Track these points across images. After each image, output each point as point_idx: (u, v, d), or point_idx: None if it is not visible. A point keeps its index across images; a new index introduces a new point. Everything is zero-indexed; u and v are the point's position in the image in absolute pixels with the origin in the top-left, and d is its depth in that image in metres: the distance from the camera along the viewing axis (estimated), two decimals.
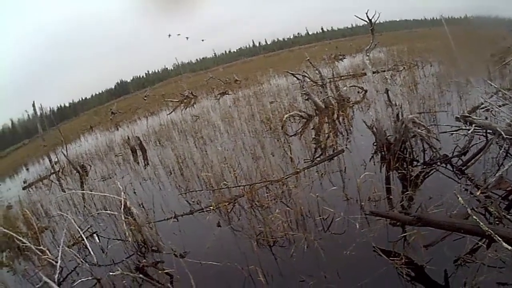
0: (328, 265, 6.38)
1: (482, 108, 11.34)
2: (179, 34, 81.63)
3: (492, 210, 6.48)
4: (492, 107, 10.13)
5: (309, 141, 14.27)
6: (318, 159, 11.78)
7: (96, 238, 10.23)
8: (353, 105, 18.03)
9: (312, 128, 16.36)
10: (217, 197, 10.39)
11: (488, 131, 8.91)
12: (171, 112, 35.59)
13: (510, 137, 8.22)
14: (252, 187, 10.04)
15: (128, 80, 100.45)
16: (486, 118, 10.47)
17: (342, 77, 25.34)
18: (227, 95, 35.09)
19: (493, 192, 7.28)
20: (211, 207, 9.90)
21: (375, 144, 11.03)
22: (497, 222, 6.19)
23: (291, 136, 15.67)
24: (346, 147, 12.22)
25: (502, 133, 8.13)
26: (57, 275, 8.26)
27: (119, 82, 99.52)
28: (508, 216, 6.22)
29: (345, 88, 19.55)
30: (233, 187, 10.62)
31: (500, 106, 10.29)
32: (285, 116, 17.00)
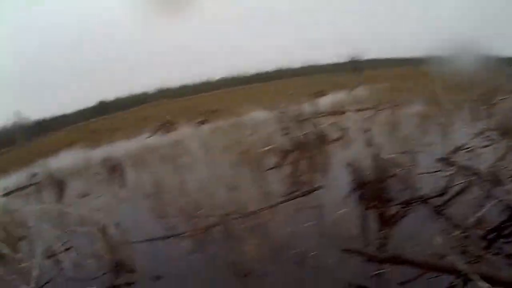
0: None
1: (465, 149, 11.43)
2: None
3: (470, 249, 6.60)
4: (475, 148, 10.29)
5: (286, 176, 14.45)
6: (295, 193, 11.75)
7: (74, 253, 10.23)
8: (332, 143, 18.06)
9: (290, 163, 16.43)
10: (194, 224, 10.44)
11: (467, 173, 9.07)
12: (151, 136, 35.24)
13: (492, 178, 8.40)
14: (227, 217, 10.16)
15: (110, 99, 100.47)
16: (469, 159, 10.67)
17: (323, 114, 24.85)
18: (206, 124, 35.27)
19: (473, 232, 7.35)
20: (186, 234, 10.01)
21: (353, 182, 11.06)
22: (474, 262, 6.21)
23: (268, 169, 15.66)
24: (324, 184, 12.24)
25: (481, 174, 8.42)
26: (32, 285, 8.40)
27: (101, 100, 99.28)
28: (487, 256, 6.41)
29: (325, 125, 19.60)
30: (209, 216, 10.64)
31: (483, 147, 10.67)
32: (263, 149, 17.24)
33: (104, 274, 8.79)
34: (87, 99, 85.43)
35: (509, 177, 8.34)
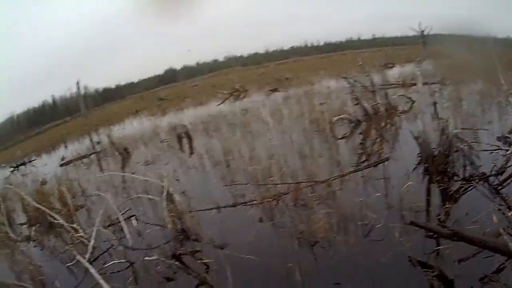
0: (364, 271, 6.64)
1: None
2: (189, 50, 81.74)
3: None
4: None
5: (356, 146, 14.56)
6: (364, 164, 11.95)
7: (134, 221, 10.70)
8: (401, 114, 18.25)
9: (360, 133, 16.54)
10: (262, 192, 10.64)
11: None
12: (221, 104, 35.43)
13: None
14: (298, 185, 10.24)
15: (178, 68, 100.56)
16: None
17: (392, 85, 25.11)
18: (277, 92, 34.80)
19: None
20: (255, 202, 10.17)
21: (419, 155, 11.10)
22: None
23: (339, 139, 15.88)
24: (391, 156, 12.42)
25: None
26: (88, 255, 8.68)
27: (168, 69, 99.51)
28: None
29: (394, 96, 19.53)
30: (278, 184, 10.82)
31: None
32: (334, 118, 17.32)
33: (167, 242, 9.06)
34: (155, 68, 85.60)
35: None
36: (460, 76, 24.36)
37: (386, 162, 11.75)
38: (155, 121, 32.87)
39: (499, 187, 8.90)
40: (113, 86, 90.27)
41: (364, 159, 12.97)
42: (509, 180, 8.91)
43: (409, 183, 8.81)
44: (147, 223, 10.37)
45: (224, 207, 10.51)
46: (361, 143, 14.98)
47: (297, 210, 9.51)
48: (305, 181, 10.67)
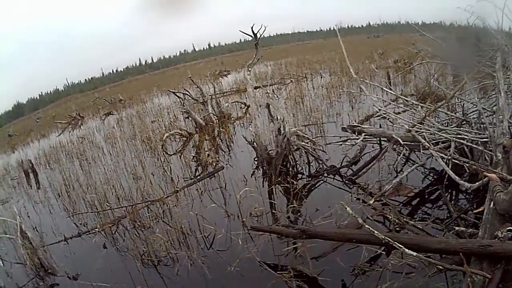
0: (213, 282, 6.49)
1: (378, 116, 11.43)
2: None
3: (390, 217, 6.65)
4: (388, 114, 10.04)
5: (189, 160, 14.23)
6: (198, 177, 11.70)
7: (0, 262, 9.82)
8: (235, 121, 18.66)
9: (193, 146, 16.37)
10: (102, 218, 10.24)
11: (383, 139, 9.14)
12: (60, 134, 34.06)
13: (409, 143, 8.29)
14: (134, 207, 9.95)
15: (24, 102, 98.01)
16: (380, 126, 11.20)
17: (225, 93, 25.63)
18: (111, 116, 34.71)
19: (393, 199, 7.49)
20: (97, 229, 9.63)
21: (256, 159, 11.20)
22: (397, 229, 6.36)
23: (171, 155, 15.62)
24: (227, 164, 12.47)
25: (399, 139, 8.15)
26: None
27: (16, 103, 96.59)
28: (411, 222, 6.40)
29: (227, 104, 19.76)
30: (115, 209, 10.42)
31: (398, 113, 10.48)
32: (165, 135, 16.95)
33: (31, 280, 8.33)
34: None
35: (428, 141, 7.97)
36: (304, 72, 24.80)
37: (221, 171, 11.59)
38: (6, 158, 30.61)
39: (354, 177, 9.02)
40: None
41: (200, 171, 12.75)
42: (365, 168, 9.03)
43: (246, 188, 8.86)
44: (11, 263, 9.40)
45: (71, 238, 9.76)
46: (194, 156, 14.65)
47: (136, 231, 9.23)
48: (140, 202, 10.42)
